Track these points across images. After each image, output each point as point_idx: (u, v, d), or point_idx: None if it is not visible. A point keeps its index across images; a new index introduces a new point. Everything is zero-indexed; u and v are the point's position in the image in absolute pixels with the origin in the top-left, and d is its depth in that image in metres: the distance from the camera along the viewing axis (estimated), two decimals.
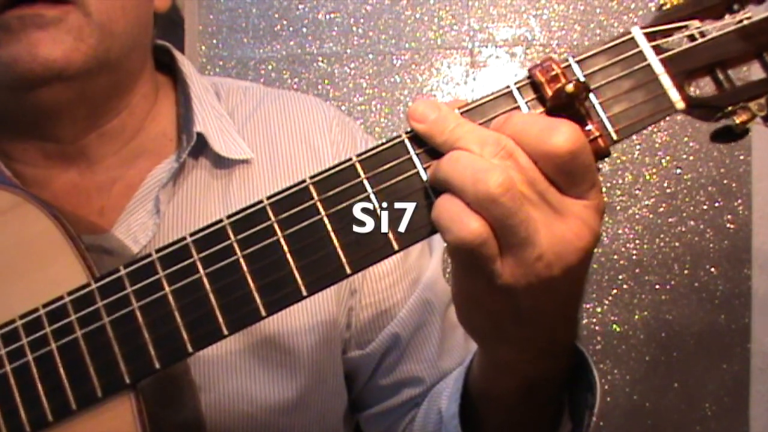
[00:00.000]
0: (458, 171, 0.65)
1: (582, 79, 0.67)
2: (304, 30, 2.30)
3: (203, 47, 2.32)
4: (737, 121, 0.65)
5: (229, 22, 2.32)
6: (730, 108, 0.66)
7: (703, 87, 0.68)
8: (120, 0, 0.94)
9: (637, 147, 2.23)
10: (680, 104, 0.67)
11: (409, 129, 0.69)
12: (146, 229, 0.98)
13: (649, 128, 2.17)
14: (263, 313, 0.71)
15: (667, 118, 2.13)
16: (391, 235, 0.68)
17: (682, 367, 2.22)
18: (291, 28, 2.31)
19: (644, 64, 0.68)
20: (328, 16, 2.30)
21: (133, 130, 1.03)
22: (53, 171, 1.00)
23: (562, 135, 0.63)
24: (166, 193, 1.00)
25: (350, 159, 0.70)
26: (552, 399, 0.87)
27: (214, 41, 2.32)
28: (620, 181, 2.23)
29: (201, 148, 1.03)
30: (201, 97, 1.05)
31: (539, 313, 0.71)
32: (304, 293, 0.70)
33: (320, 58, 2.30)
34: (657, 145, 2.23)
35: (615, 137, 0.67)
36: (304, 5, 2.31)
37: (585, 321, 2.23)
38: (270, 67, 2.30)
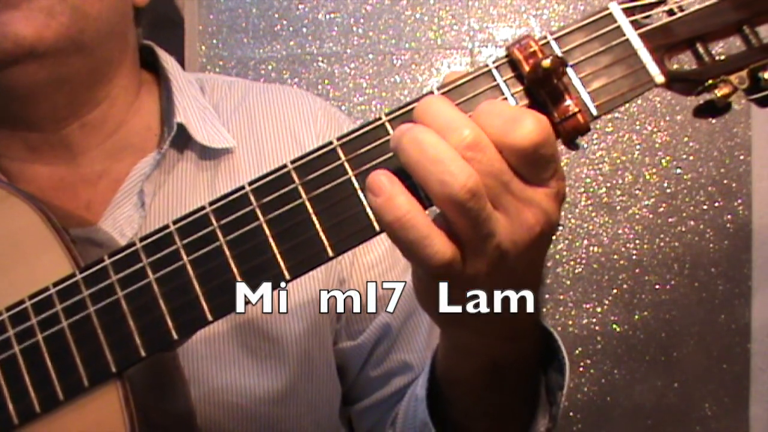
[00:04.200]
0: (424, 166, 0.64)
1: (559, 54, 0.67)
2: (304, 30, 2.30)
3: (203, 47, 2.32)
4: (718, 95, 0.64)
5: (229, 22, 2.32)
6: (710, 81, 0.65)
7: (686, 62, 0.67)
8: None
9: (637, 147, 2.23)
10: (659, 78, 0.66)
11: (387, 111, 0.69)
12: (132, 222, 0.99)
13: (649, 128, 2.20)
14: None
15: (667, 118, 2.14)
16: (372, 217, 0.68)
17: (682, 367, 2.22)
18: (291, 28, 2.31)
19: (622, 39, 0.67)
20: (328, 16, 2.30)
21: (116, 123, 1.04)
22: (38, 165, 1.01)
23: (525, 128, 0.63)
24: (151, 185, 1.01)
25: (331, 142, 0.70)
26: (524, 382, 0.87)
27: (214, 41, 2.32)
28: (620, 181, 2.22)
29: (185, 140, 1.04)
30: (183, 90, 1.06)
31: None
32: (287, 277, 0.70)
33: (320, 58, 2.30)
34: (657, 145, 2.23)
35: (595, 112, 0.67)
36: (304, 5, 2.31)
37: (585, 321, 2.23)
38: (270, 67, 2.30)
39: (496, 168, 0.64)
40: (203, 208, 0.72)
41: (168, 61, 1.10)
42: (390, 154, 0.68)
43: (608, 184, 2.22)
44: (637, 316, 2.22)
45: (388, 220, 0.64)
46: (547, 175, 0.65)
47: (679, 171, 2.22)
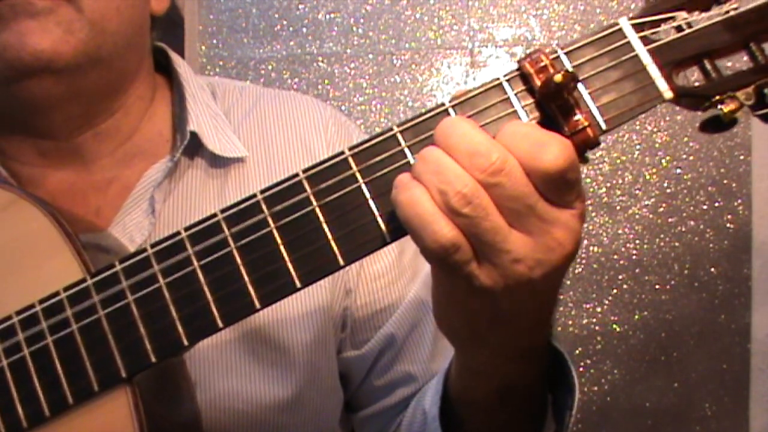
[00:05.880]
0: (425, 175, 0.66)
1: (570, 69, 0.68)
2: (304, 30, 2.30)
3: (203, 47, 2.32)
4: (725, 110, 0.66)
5: (229, 22, 2.32)
6: (717, 97, 0.66)
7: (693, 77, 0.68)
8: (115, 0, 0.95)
9: (637, 147, 2.23)
10: (668, 94, 0.67)
11: (399, 122, 0.70)
12: (142, 228, 0.99)
13: (649, 128, 2.20)
14: (258, 305, 0.72)
15: (667, 118, 2.15)
16: (383, 226, 0.69)
17: (682, 367, 2.22)
18: (291, 28, 2.31)
19: (632, 54, 0.68)
20: (328, 16, 2.31)
21: (129, 131, 1.04)
22: (49, 170, 1.01)
23: (552, 153, 0.64)
24: (162, 192, 1.01)
25: (343, 152, 0.70)
26: (532, 401, 0.88)
27: (214, 41, 2.33)
28: (620, 181, 2.23)
29: (196, 147, 1.04)
30: (196, 97, 1.06)
31: (517, 315, 0.71)
32: (298, 285, 0.71)
33: (320, 58, 2.30)
34: (657, 145, 2.23)
35: (604, 127, 0.68)
36: (304, 5, 2.31)
37: (585, 321, 2.23)
38: (270, 67, 2.30)
39: (521, 192, 0.65)
40: (215, 215, 0.73)
41: (181, 65, 1.10)
42: (401, 163, 0.70)
43: (608, 184, 2.23)
44: (637, 316, 2.23)
45: (400, 199, 0.66)
46: (571, 198, 0.66)
47: (679, 171, 2.23)
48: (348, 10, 2.30)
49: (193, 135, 1.02)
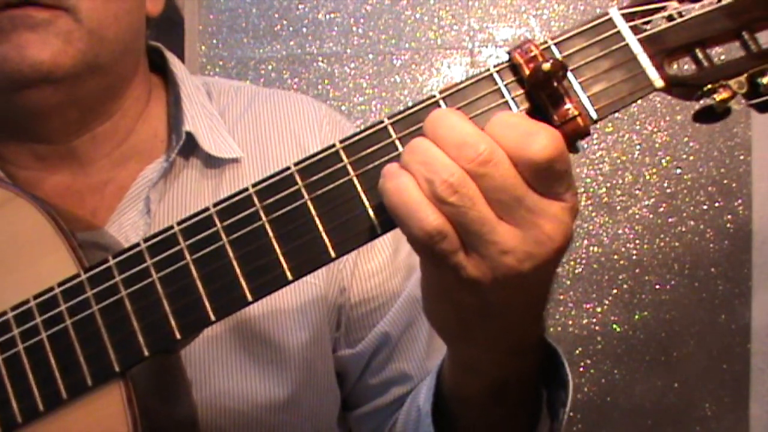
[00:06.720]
0: (412, 164, 0.66)
1: (559, 58, 0.68)
2: (304, 30, 2.31)
3: (203, 47, 2.33)
4: (717, 99, 0.65)
5: (229, 22, 2.32)
6: (709, 86, 0.66)
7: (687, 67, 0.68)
8: (113, 7, 0.95)
9: (637, 147, 2.23)
10: (659, 83, 0.67)
11: (390, 114, 0.70)
12: (137, 228, 0.99)
13: (649, 128, 2.20)
14: (249, 298, 0.72)
15: (667, 118, 2.15)
16: (374, 218, 0.69)
17: (682, 367, 2.22)
18: (291, 28, 2.31)
19: (622, 44, 0.68)
20: (328, 16, 2.31)
21: (125, 132, 1.04)
22: (45, 173, 1.01)
23: (540, 143, 0.64)
24: (157, 192, 1.01)
25: (334, 145, 0.71)
26: (525, 398, 0.88)
27: (214, 41, 2.33)
28: (620, 181, 2.23)
29: (191, 147, 1.04)
30: (191, 97, 1.06)
31: (507, 309, 0.71)
32: (290, 278, 0.71)
33: (320, 58, 2.30)
34: (657, 145, 2.23)
35: (595, 116, 0.68)
36: (304, 5, 2.31)
37: (585, 321, 2.23)
38: (270, 67, 2.31)
39: (509, 183, 0.65)
40: (207, 209, 0.73)
41: (177, 65, 1.10)
42: (392, 155, 0.70)
43: (608, 184, 2.23)
44: (637, 316, 2.23)
45: (387, 186, 0.66)
46: (561, 189, 0.66)
47: (679, 171, 2.23)
48: (348, 10, 2.30)
49: (189, 135, 1.02)
